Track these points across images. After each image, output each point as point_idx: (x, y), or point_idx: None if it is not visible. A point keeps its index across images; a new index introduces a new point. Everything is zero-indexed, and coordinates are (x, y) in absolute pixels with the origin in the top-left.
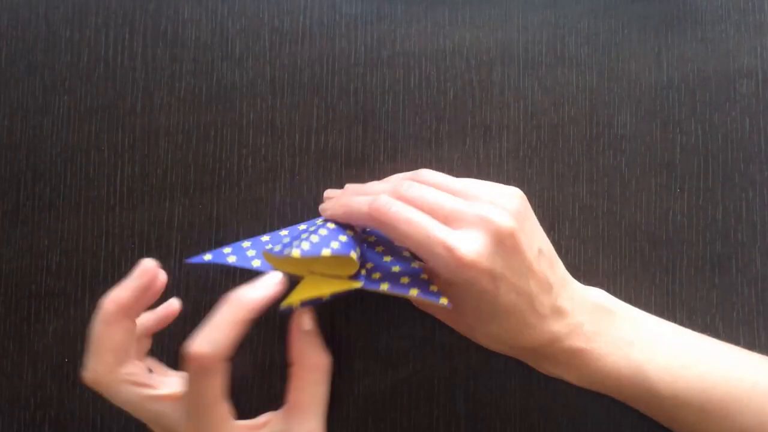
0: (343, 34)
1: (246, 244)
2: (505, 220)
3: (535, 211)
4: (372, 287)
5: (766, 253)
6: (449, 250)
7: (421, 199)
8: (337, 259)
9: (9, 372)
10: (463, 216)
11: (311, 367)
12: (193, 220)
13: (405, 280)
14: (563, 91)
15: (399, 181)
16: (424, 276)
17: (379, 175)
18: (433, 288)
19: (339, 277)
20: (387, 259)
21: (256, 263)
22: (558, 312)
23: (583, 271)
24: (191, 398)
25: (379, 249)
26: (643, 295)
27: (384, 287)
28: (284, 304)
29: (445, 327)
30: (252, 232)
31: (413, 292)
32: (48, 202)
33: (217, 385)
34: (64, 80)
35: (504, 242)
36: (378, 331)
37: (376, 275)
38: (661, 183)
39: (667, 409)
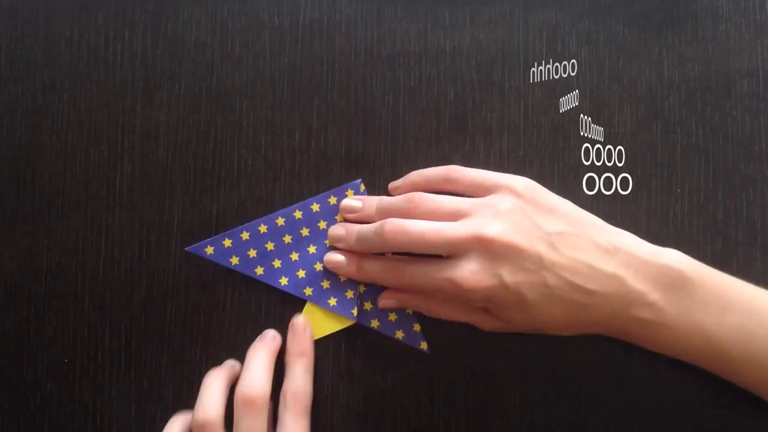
0: (343, 34)
1: (245, 235)
2: (490, 230)
3: None
4: (363, 322)
5: (766, 252)
6: (451, 281)
7: (418, 237)
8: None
9: (9, 372)
10: (455, 244)
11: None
12: (193, 220)
13: (393, 317)
14: (563, 91)
15: (396, 208)
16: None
17: (379, 175)
18: (416, 328)
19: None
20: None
21: (259, 271)
22: (613, 280)
23: None
24: None
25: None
26: None
27: (374, 324)
28: None
29: (444, 328)
30: None
31: (399, 335)
32: (48, 202)
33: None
34: (64, 80)
35: (495, 251)
36: (378, 332)
37: (368, 305)
38: (661, 183)
39: (740, 370)
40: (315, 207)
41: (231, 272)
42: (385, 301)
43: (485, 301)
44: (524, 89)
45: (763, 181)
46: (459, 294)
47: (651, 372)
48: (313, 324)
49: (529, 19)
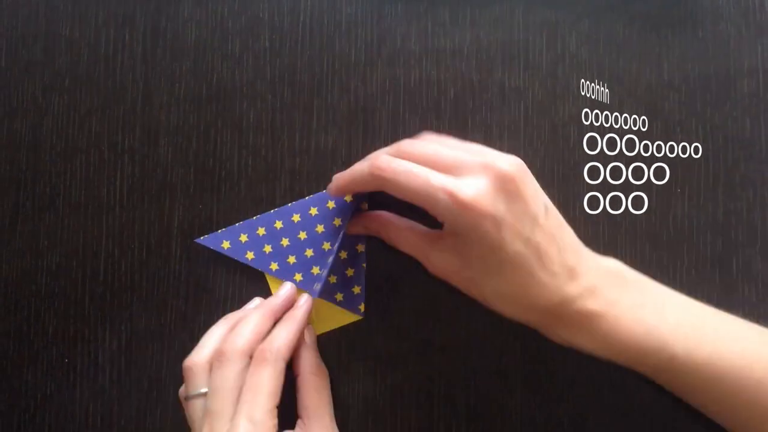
0: (343, 34)
1: (261, 231)
2: (506, 166)
3: None
4: (308, 291)
5: (766, 253)
6: (450, 194)
7: (421, 153)
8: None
9: (9, 372)
10: (465, 164)
11: (315, 374)
12: (193, 220)
13: (333, 279)
14: (563, 90)
15: (399, 142)
16: (356, 290)
17: None
18: (356, 290)
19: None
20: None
21: (273, 267)
22: (570, 272)
23: None
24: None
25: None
26: None
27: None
28: None
29: (445, 328)
30: None
31: (338, 297)
32: (48, 202)
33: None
34: (64, 80)
35: (506, 186)
36: (378, 332)
37: (315, 270)
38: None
39: (681, 372)
40: (331, 204)
41: (231, 271)
42: (354, 227)
43: (464, 228)
44: (524, 89)
45: (763, 182)
46: (448, 208)
47: None
48: (320, 317)
49: (529, 19)
